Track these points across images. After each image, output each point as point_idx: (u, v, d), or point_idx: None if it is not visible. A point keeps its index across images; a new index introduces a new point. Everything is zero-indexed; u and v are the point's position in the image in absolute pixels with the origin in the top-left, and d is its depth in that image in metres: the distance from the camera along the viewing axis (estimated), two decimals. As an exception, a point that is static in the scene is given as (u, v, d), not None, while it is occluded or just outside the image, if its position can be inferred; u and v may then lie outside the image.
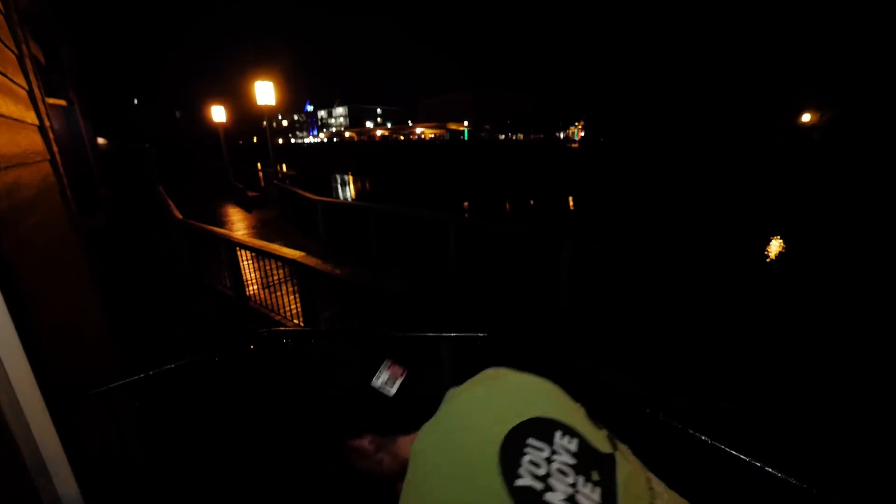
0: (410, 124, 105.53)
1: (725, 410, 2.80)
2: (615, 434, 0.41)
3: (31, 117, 1.66)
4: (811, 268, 8.29)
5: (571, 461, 0.32)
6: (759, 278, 7.81)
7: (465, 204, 19.33)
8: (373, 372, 0.99)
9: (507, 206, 19.37)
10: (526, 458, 0.31)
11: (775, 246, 10.18)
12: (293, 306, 4.05)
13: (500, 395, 0.37)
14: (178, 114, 64.60)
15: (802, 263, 8.76)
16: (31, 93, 1.73)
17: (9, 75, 1.46)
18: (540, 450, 0.32)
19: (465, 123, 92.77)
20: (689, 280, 3.47)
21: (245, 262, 4.42)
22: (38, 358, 1.08)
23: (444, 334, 1.99)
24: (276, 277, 4.12)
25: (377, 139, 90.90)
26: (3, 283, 1.03)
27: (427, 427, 0.38)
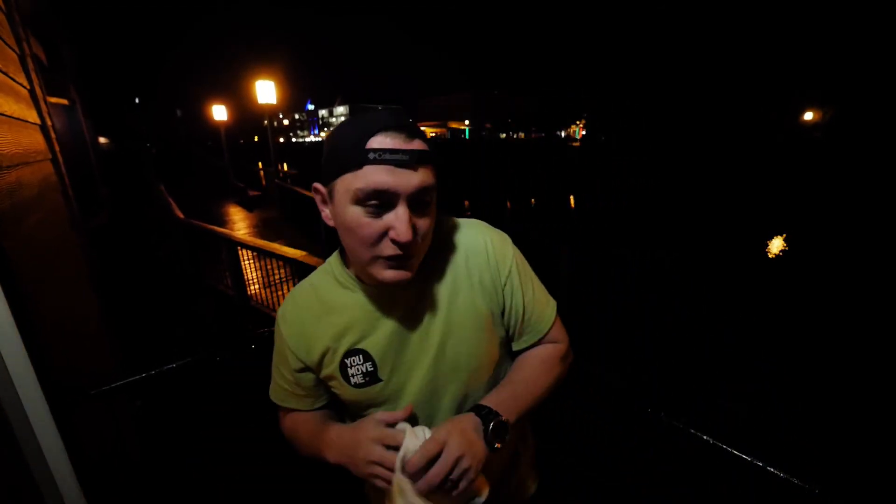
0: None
1: (727, 410, 2.80)
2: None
3: (32, 116, 1.66)
4: (810, 266, 8.28)
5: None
6: (757, 277, 7.80)
7: (466, 203, 19.32)
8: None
9: (509, 204, 19.37)
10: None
11: (775, 244, 10.17)
12: (294, 306, 4.04)
13: None
14: (178, 112, 64.60)
15: (801, 262, 8.75)
16: (32, 92, 1.73)
17: (10, 74, 1.46)
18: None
19: (466, 122, 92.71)
20: (688, 279, 3.46)
21: (246, 262, 4.42)
22: (39, 357, 1.09)
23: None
24: (277, 277, 4.12)
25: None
26: (5, 282, 1.03)
27: None
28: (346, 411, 0.83)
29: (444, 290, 0.72)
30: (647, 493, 1.97)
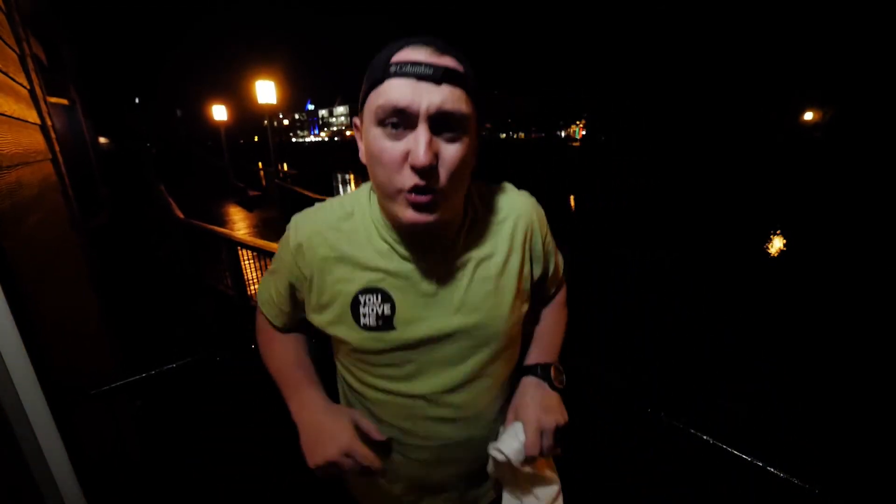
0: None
1: (727, 410, 2.80)
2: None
3: (32, 116, 1.65)
4: (810, 266, 8.27)
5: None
6: (757, 277, 7.80)
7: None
8: None
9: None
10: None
11: (775, 244, 10.17)
12: (294, 305, 4.04)
13: None
14: (178, 112, 64.58)
15: (801, 262, 8.75)
16: (32, 92, 1.73)
17: (10, 74, 1.46)
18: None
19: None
20: (688, 279, 3.47)
21: (246, 262, 4.42)
22: (39, 358, 1.09)
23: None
24: (276, 277, 4.11)
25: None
26: (5, 282, 1.03)
27: None
28: (342, 355, 0.76)
29: (489, 250, 0.69)
30: (647, 493, 1.97)
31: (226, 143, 14.86)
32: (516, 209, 0.73)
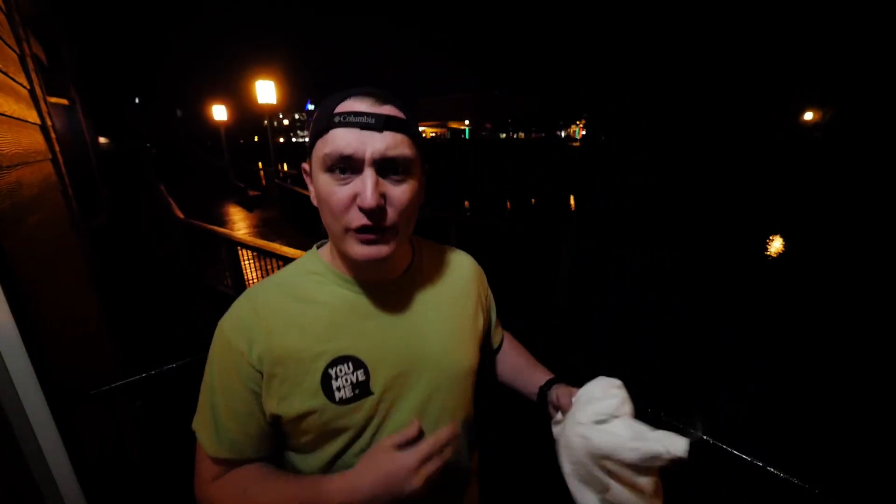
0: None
1: (727, 410, 2.80)
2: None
3: (32, 116, 1.66)
4: (810, 266, 8.27)
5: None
6: (757, 277, 7.79)
7: (466, 203, 19.31)
8: None
9: (508, 204, 19.36)
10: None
11: (774, 244, 10.17)
12: (294, 305, 4.03)
13: None
14: (178, 112, 64.51)
15: (801, 262, 8.75)
16: (32, 92, 1.73)
17: (10, 74, 1.46)
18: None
19: (466, 123, 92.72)
20: (688, 279, 3.46)
21: (246, 262, 4.42)
22: (39, 358, 1.09)
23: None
24: (276, 277, 4.11)
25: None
26: (5, 282, 1.03)
27: None
28: (303, 447, 0.65)
29: (446, 295, 0.73)
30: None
31: (226, 143, 14.85)
32: (465, 263, 0.81)
